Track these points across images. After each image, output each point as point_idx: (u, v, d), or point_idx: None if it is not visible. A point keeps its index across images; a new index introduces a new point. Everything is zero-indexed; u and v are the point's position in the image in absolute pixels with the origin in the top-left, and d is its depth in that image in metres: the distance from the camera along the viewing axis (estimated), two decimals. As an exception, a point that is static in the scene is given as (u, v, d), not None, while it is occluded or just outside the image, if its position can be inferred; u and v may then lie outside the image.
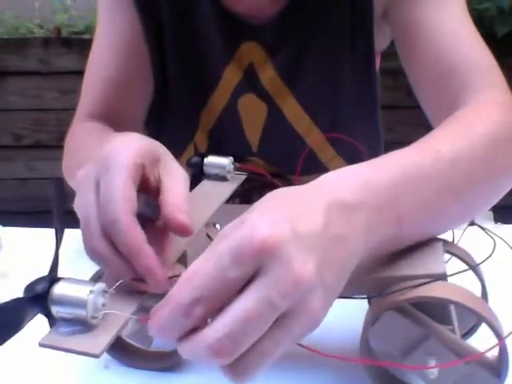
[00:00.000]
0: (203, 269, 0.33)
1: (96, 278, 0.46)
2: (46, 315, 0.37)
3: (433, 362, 0.40)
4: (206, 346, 0.33)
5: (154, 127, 0.83)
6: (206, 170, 0.60)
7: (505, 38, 1.99)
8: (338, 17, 0.73)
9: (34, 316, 0.37)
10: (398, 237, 0.42)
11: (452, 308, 0.43)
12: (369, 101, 0.80)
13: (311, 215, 0.36)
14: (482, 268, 0.48)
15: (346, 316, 0.42)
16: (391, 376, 0.45)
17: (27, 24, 2.32)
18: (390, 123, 2.16)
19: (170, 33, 0.77)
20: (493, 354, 0.41)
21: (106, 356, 0.49)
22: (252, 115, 0.79)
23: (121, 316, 0.38)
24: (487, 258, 0.44)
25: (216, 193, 0.57)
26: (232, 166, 0.60)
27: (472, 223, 0.49)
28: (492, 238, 0.47)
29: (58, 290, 0.37)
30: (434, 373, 0.40)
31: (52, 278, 0.37)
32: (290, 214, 0.35)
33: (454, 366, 0.40)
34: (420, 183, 0.43)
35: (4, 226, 0.71)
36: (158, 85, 0.79)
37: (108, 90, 0.75)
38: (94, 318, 0.36)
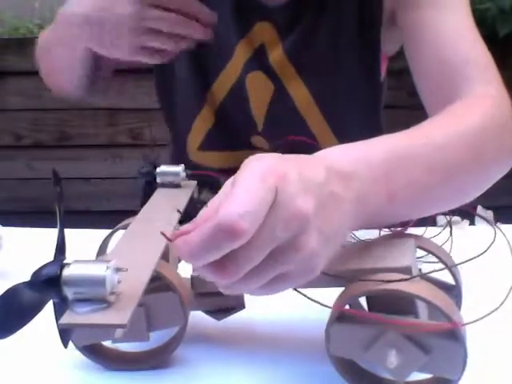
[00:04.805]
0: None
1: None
2: (59, 298, 0.36)
3: (393, 353, 0.40)
4: (212, 265, 0.35)
5: (164, 99, 0.89)
6: (160, 178, 0.61)
7: (506, 38, 1.99)
8: (347, 7, 0.75)
9: (47, 302, 0.36)
10: (388, 211, 0.43)
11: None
12: (371, 99, 0.82)
13: (314, 168, 0.38)
14: (482, 264, 0.48)
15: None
16: (359, 367, 0.45)
17: (27, 24, 2.32)
18: (391, 123, 2.16)
19: None
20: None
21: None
22: (259, 92, 0.81)
23: (135, 291, 0.37)
24: (485, 251, 0.44)
25: (175, 198, 0.58)
26: (184, 174, 0.61)
27: (472, 222, 0.49)
28: (493, 227, 0.47)
29: (73, 270, 0.36)
30: (392, 363, 0.40)
31: (62, 261, 0.37)
32: (297, 161, 0.38)
33: (412, 354, 0.40)
34: (410, 162, 0.44)
35: (4, 226, 0.71)
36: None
37: None
38: (112, 294, 0.36)
